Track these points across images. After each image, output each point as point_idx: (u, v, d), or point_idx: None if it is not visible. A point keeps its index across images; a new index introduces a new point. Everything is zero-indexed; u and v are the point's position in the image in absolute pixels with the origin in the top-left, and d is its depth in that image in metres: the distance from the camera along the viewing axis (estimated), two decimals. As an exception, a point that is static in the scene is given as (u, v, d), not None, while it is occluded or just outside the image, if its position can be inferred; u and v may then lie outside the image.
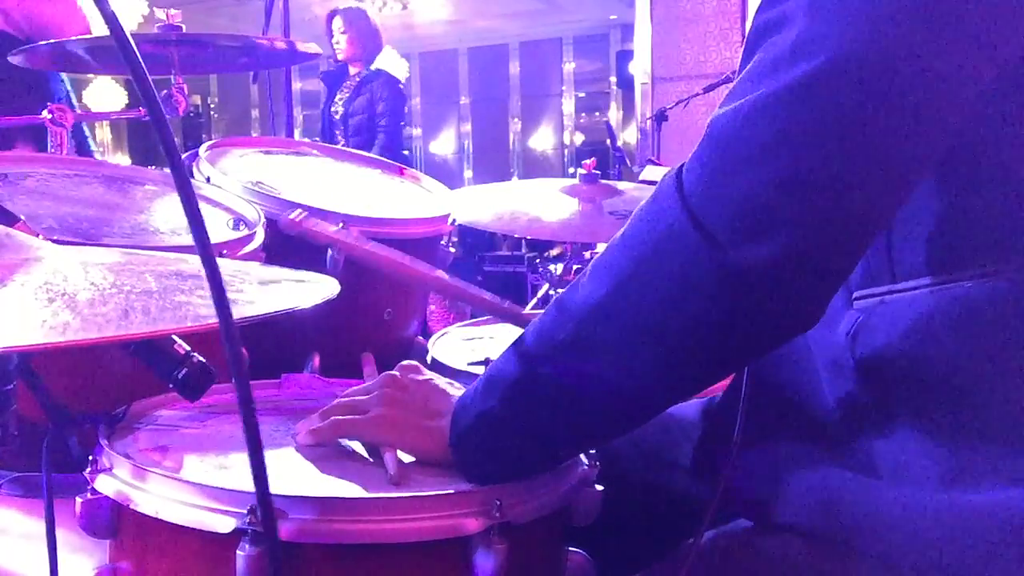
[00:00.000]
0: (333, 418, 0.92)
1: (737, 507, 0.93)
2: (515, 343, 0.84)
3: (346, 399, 0.95)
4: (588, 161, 1.94)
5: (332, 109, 5.47)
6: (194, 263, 0.82)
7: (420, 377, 0.96)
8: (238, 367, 0.58)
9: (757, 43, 0.76)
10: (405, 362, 0.99)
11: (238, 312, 0.73)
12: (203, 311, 0.68)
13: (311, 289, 0.87)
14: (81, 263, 0.76)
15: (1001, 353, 0.77)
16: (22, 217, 0.94)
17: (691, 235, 0.72)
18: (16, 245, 0.78)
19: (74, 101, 2.97)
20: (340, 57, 5.40)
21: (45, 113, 1.81)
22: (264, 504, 0.67)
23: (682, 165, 0.77)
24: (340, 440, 0.94)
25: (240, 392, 0.58)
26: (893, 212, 0.76)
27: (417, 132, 14.38)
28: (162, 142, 0.58)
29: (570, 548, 0.91)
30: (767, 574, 0.89)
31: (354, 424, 0.92)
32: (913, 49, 0.69)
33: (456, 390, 0.93)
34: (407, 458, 0.89)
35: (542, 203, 1.85)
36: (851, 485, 0.82)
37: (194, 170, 1.58)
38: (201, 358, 0.83)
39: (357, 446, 0.94)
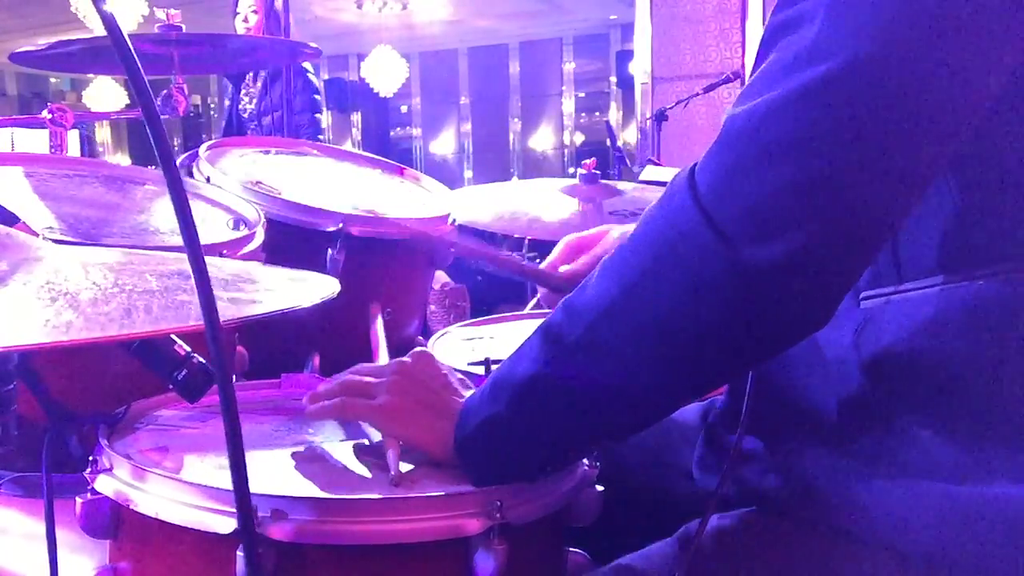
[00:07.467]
0: (342, 399, 0.92)
1: (742, 501, 0.93)
2: (522, 345, 0.84)
3: (356, 378, 0.94)
4: (588, 161, 1.94)
5: (240, 107, 4.48)
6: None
7: (433, 370, 0.94)
8: (222, 367, 0.58)
9: (773, 41, 0.75)
10: (418, 349, 0.98)
11: (238, 312, 0.74)
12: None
13: (311, 289, 0.87)
14: (82, 263, 0.76)
15: (1011, 352, 0.77)
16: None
17: (704, 234, 0.72)
18: (16, 245, 0.78)
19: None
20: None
21: (45, 113, 1.81)
22: (243, 504, 0.67)
23: (695, 164, 0.76)
24: (337, 442, 0.95)
25: (223, 393, 0.58)
26: (906, 213, 0.76)
27: (417, 132, 14.40)
28: (154, 140, 0.58)
29: (570, 548, 0.91)
30: (774, 560, 0.89)
31: (362, 408, 0.91)
32: (930, 53, 0.69)
33: (467, 388, 0.93)
34: (408, 465, 0.89)
35: (542, 203, 1.85)
36: (860, 479, 0.82)
37: (194, 170, 1.58)
38: (201, 359, 0.83)
39: (349, 450, 0.94)
